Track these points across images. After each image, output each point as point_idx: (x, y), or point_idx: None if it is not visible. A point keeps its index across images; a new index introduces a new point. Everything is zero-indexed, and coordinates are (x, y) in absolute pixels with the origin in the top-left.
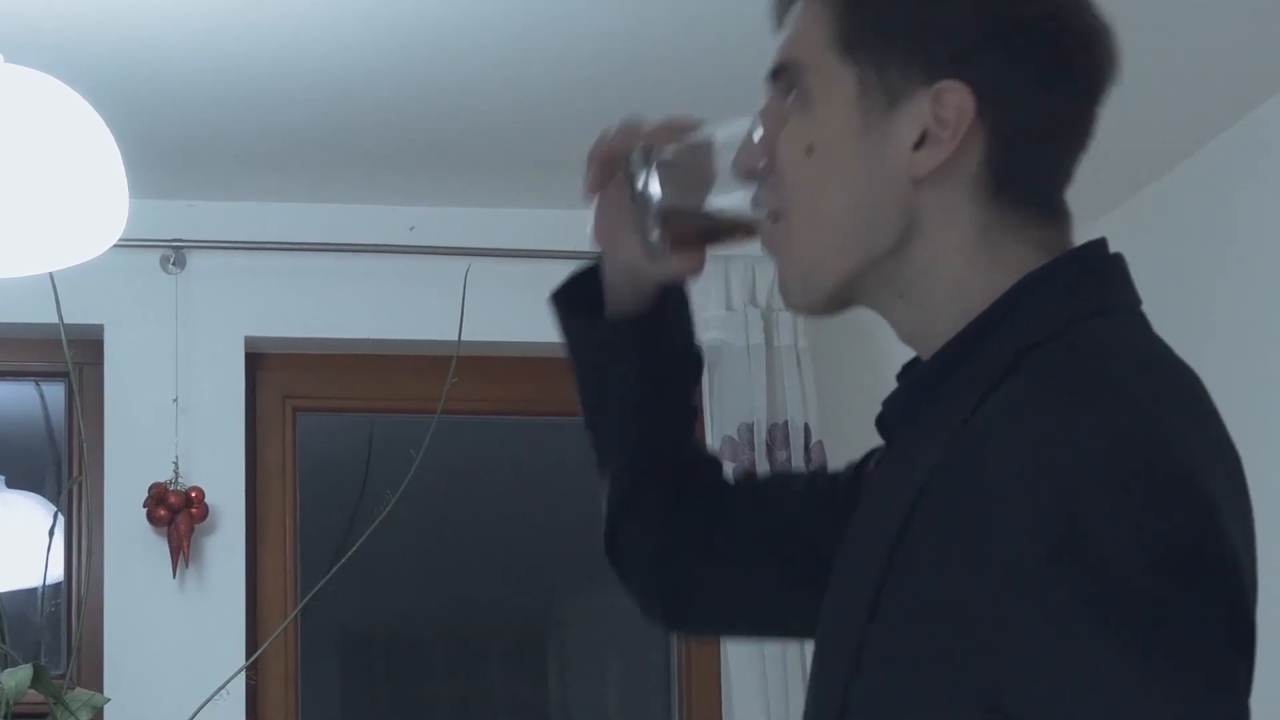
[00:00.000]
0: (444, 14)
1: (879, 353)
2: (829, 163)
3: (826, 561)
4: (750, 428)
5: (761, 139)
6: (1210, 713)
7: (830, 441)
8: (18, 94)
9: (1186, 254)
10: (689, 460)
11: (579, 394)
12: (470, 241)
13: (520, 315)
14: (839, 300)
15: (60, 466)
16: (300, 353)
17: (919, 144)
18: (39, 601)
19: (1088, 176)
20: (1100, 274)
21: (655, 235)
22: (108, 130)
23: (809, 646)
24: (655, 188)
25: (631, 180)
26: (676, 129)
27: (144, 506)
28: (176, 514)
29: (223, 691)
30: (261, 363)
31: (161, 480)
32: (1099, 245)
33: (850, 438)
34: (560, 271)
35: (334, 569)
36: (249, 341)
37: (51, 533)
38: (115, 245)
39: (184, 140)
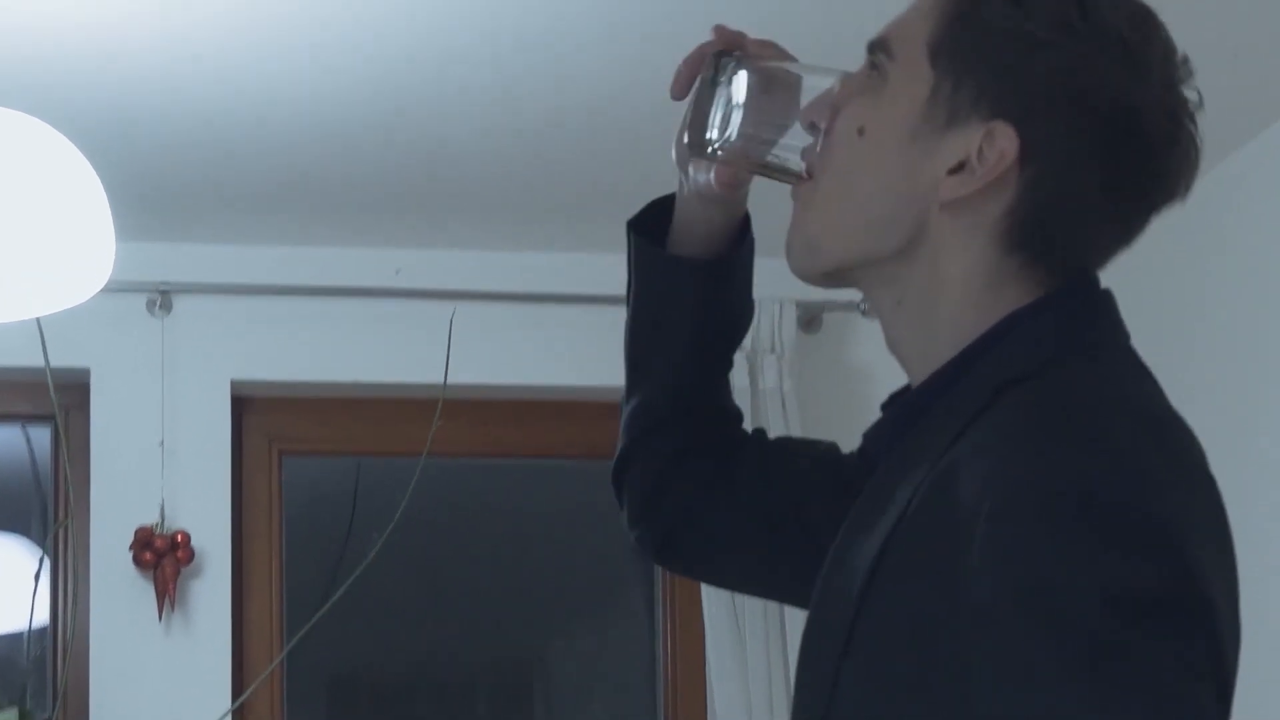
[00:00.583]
0: (428, 59)
1: (863, 397)
2: (872, 150)
3: (814, 537)
4: None
5: (833, 100)
6: None
7: None
8: (3, 137)
9: (1169, 289)
10: (716, 405)
11: (631, 312)
12: (456, 284)
13: (507, 358)
14: (834, 278)
15: (46, 509)
16: (286, 396)
17: (956, 170)
18: (25, 645)
19: None
20: (1087, 311)
21: (714, 135)
22: (94, 174)
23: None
24: (738, 90)
25: (716, 75)
26: (776, 51)
27: (130, 550)
28: (162, 557)
29: None
30: (247, 406)
31: (147, 523)
32: (1087, 281)
33: None
34: (546, 314)
35: (320, 612)
36: (235, 385)
37: (37, 576)
38: (101, 289)
39: (170, 184)
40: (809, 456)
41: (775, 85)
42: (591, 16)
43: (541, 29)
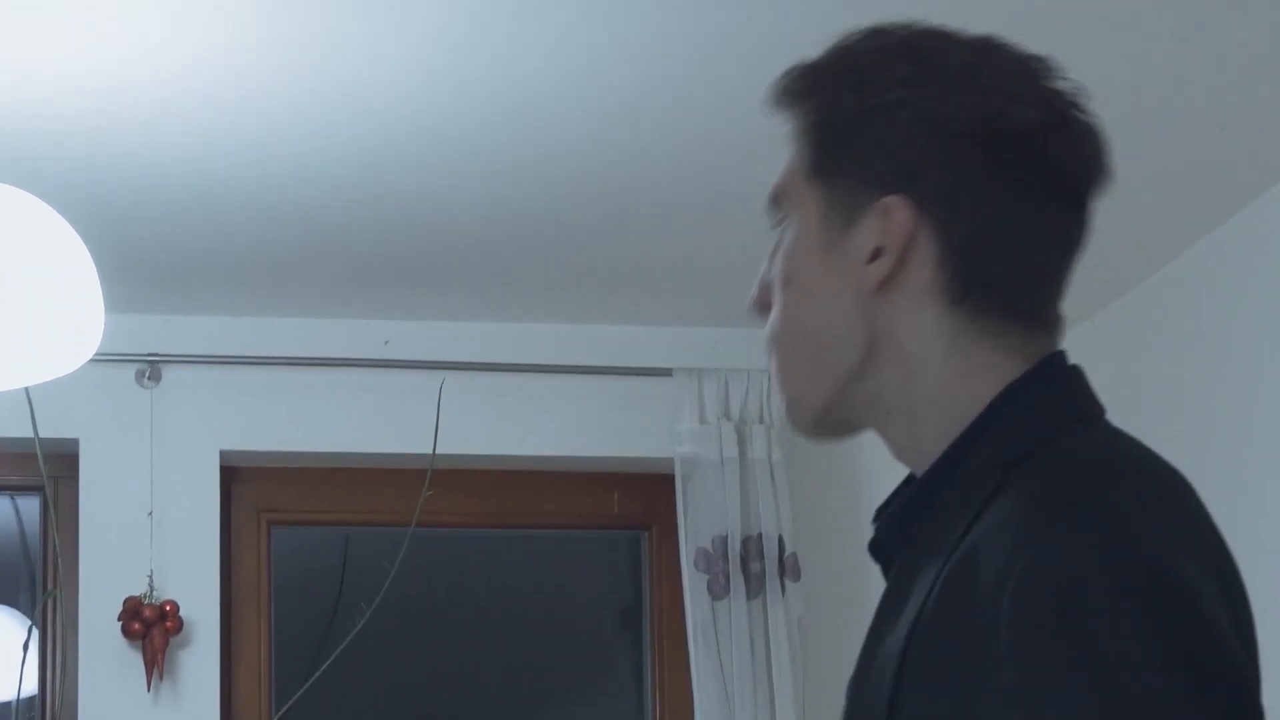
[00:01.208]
0: (417, 130)
1: (852, 466)
2: (802, 288)
3: None
4: (724, 540)
5: (761, 280)
6: None
7: (804, 554)
8: None
9: (1156, 363)
10: None
11: None
12: (444, 355)
13: (495, 428)
14: (832, 424)
15: (35, 580)
16: (275, 466)
17: (874, 257)
18: (13, 715)
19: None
20: (1066, 387)
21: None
22: (83, 245)
23: None
24: None
25: None
26: None
27: (119, 620)
28: (151, 627)
29: None
30: (236, 476)
31: (136, 594)
32: (1058, 359)
33: (824, 549)
34: (535, 384)
35: (309, 682)
36: (224, 455)
37: (26, 646)
38: (91, 359)
39: (159, 255)
40: None
41: None
42: (580, 91)
43: (530, 102)
